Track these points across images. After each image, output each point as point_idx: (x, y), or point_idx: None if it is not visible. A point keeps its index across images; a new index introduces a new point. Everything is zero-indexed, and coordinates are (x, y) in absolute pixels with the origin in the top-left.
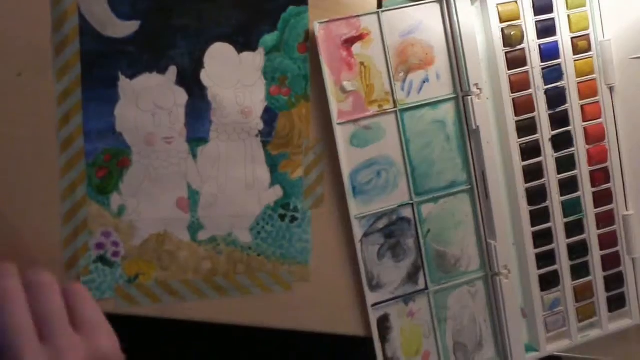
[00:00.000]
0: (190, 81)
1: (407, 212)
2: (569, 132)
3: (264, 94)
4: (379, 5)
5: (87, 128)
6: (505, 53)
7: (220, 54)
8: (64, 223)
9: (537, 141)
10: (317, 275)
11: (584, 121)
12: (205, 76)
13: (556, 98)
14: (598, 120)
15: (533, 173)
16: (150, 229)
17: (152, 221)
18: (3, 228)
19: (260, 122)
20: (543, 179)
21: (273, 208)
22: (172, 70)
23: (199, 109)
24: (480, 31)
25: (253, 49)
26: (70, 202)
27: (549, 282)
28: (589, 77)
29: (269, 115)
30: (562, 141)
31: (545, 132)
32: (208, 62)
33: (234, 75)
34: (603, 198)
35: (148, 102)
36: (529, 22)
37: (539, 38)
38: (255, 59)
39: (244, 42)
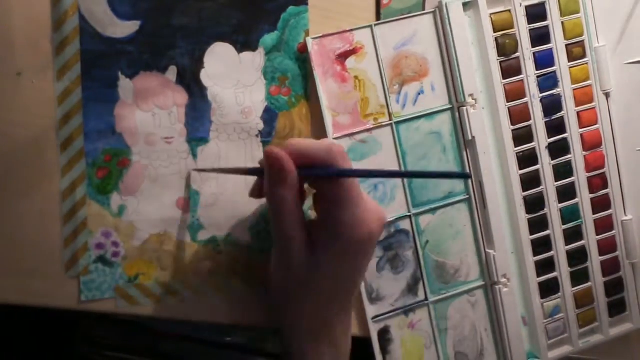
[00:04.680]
0: (190, 81)
1: (405, 224)
2: (565, 139)
3: (264, 94)
4: (378, 17)
5: (87, 128)
6: (500, 62)
7: (220, 54)
8: (64, 223)
9: (533, 149)
10: None
11: (580, 128)
12: (205, 76)
13: (552, 106)
14: (594, 126)
15: (530, 181)
16: (150, 229)
17: (152, 221)
18: (3, 228)
19: (260, 122)
20: (541, 187)
21: None
22: (172, 70)
23: (199, 109)
24: (474, 41)
25: (253, 49)
26: (70, 202)
27: (549, 289)
28: (585, 83)
29: (269, 115)
30: (559, 149)
31: (541, 140)
32: (208, 62)
33: (234, 75)
34: (601, 204)
35: (148, 102)
36: (522, 30)
37: (533, 46)
38: (255, 59)
39: (244, 42)
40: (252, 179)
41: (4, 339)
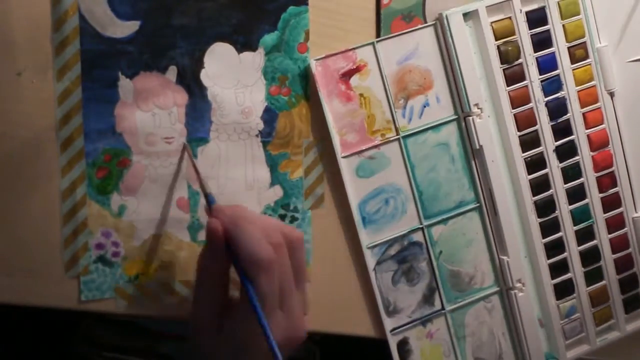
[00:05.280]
0: (190, 81)
1: (417, 236)
2: (572, 141)
3: (264, 94)
4: (378, 17)
5: (87, 128)
6: (503, 70)
7: (220, 54)
8: (64, 223)
9: (541, 154)
10: (318, 276)
11: (586, 129)
12: (205, 76)
13: (557, 109)
14: (601, 126)
15: (540, 185)
16: (150, 229)
17: (152, 221)
18: (3, 228)
19: (260, 122)
20: (550, 191)
21: (273, 208)
22: (172, 70)
23: (199, 109)
24: (476, 50)
25: (253, 49)
26: (70, 202)
27: (564, 290)
28: (589, 84)
29: (269, 115)
30: (566, 151)
31: (549, 144)
32: (208, 62)
33: (234, 75)
34: (612, 202)
35: (148, 102)
36: (524, 36)
37: (535, 51)
38: (255, 59)
39: (244, 42)
40: (252, 179)
41: (4, 339)
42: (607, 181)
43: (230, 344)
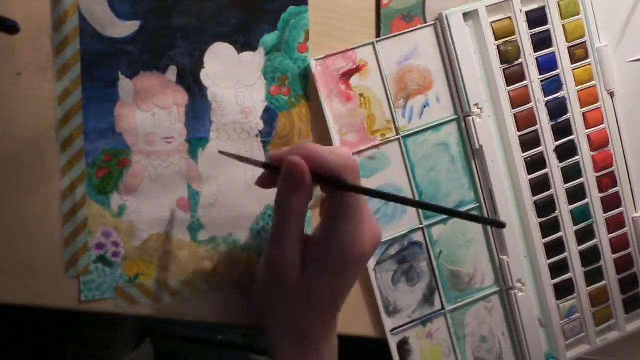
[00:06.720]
0: (190, 81)
1: (417, 236)
2: (572, 141)
3: (264, 93)
4: (378, 17)
5: (87, 128)
6: (503, 70)
7: (220, 54)
8: (64, 223)
9: (541, 154)
10: None
11: (586, 129)
12: (205, 76)
13: (557, 109)
14: (601, 126)
15: (540, 185)
16: (150, 229)
17: (152, 221)
18: (3, 228)
19: (260, 122)
20: (550, 190)
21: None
22: (172, 70)
23: (199, 109)
24: (476, 50)
25: (253, 49)
26: (70, 202)
27: (564, 290)
28: (589, 84)
29: (269, 115)
30: (566, 151)
31: (549, 144)
32: (208, 62)
33: (234, 75)
34: (612, 202)
35: (148, 102)
36: (524, 36)
37: (535, 51)
38: (255, 59)
39: (244, 42)
40: (252, 179)
41: (4, 339)
42: (607, 181)
43: (316, 278)
